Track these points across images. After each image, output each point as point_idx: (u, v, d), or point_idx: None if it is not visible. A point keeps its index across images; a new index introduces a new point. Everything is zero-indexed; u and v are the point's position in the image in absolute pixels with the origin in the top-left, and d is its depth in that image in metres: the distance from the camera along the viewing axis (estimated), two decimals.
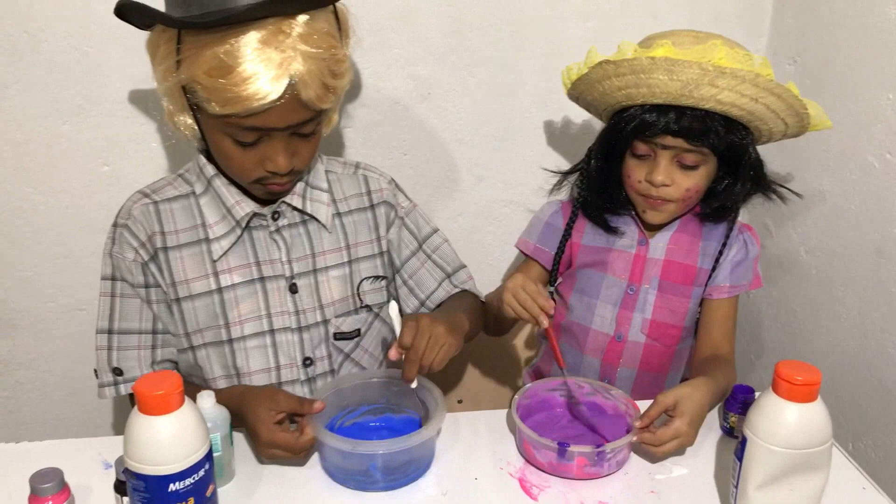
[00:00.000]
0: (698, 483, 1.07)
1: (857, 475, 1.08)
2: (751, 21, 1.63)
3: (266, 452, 1.05)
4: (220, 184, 1.17)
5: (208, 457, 0.89)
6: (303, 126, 1.08)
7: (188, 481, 0.86)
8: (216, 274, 1.18)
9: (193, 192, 1.19)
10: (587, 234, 1.37)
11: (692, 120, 1.17)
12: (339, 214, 1.26)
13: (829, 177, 1.48)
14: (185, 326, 1.19)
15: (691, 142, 1.19)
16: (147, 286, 1.17)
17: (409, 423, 1.17)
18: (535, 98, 1.62)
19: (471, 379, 1.70)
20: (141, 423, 0.84)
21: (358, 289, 1.27)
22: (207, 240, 1.18)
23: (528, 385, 1.20)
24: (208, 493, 0.90)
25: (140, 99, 1.47)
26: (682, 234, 1.32)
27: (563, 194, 1.45)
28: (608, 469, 1.07)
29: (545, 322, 1.12)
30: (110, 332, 1.17)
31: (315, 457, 1.10)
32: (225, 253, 1.18)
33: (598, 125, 1.36)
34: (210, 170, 1.18)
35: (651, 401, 1.10)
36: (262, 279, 1.20)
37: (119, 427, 1.75)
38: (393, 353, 1.06)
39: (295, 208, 1.21)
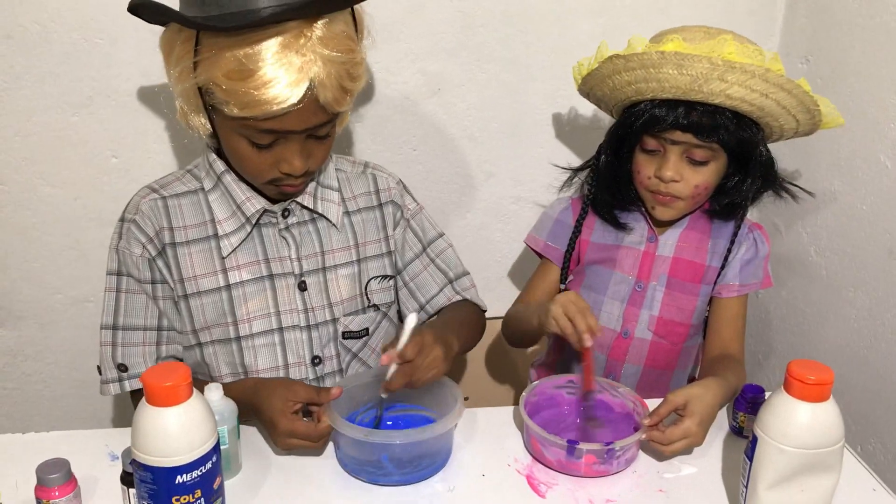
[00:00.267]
0: (707, 482, 1.06)
1: (867, 476, 1.08)
2: (763, 19, 1.62)
3: (284, 443, 1.04)
4: (231, 180, 1.17)
5: (216, 449, 0.89)
6: (319, 128, 1.07)
7: (195, 473, 0.86)
8: (225, 271, 1.18)
9: (202, 188, 1.19)
10: (596, 231, 1.37)
11: (701, 115, 1.17)
12: (348, 213, 1.25)
13: (841, 177, 1.48)
14: (192, 323, 1.19)
15: (700, 137, 1.18)
16: (154, 282, 1.17)
17: (424, 422, 1.16)
18: (546, 94, 1.62)
19: (477, 376, 1.70)
20: (149, 415, 0.84)
21: (366, 288, 1.26)
22: (216, 236, 1.17)
23: (536, 382, 1.19)
24: (215, 486, 0.90)
25: (150, 91, 1.47)
26: (692, 232, 1.32)
27: (573, 191, 1.45)
28: (617, 467, 1.07)
29: (589, 342, 1.09)
30: (115, 327, 1.16)
31: (326, 451, 1.10)
32: (234, 250, 1.17)
33: (608, 122, 1.35)
34: (220, 166, 1.17)
35: (657, 398, 1.10)
36: (270, 276, 1.19)
37: (120, 422, 1.75)
38: (385, 359, 1.04)
39: (305, 207, 1.20)
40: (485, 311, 1.38)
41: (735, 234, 1.31)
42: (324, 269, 1.22)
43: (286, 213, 1.19)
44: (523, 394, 1.15)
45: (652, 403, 1.11)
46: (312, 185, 1.21)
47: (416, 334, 1.05)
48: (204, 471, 0.87)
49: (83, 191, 1.52)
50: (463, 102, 1.60)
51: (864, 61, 1.40)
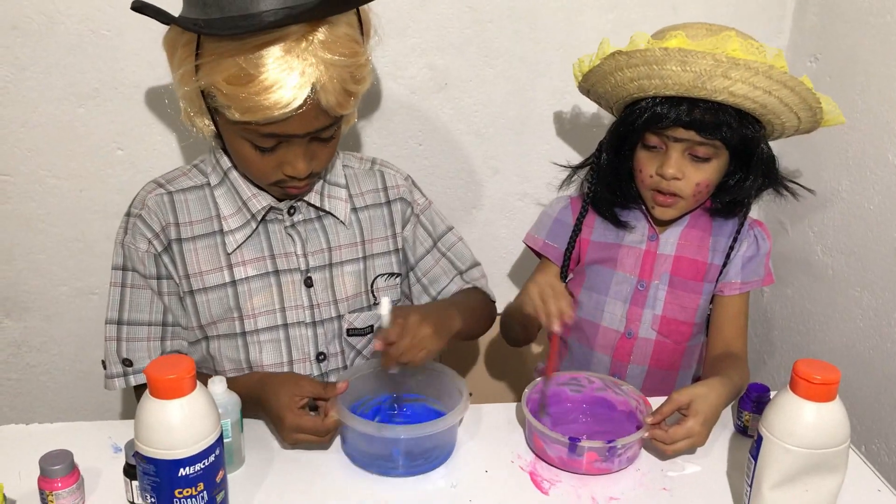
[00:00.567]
0: (711, 481, 1.06)
1: (872, 477, 1.07)
2: (772, 17, 1.62)
3: (291, 437, 1.04)
4: (237, 176, 1.16)
5: (219, 442, 0.89)
6: (323, 132, 1.07)
7: (198, 466, 0.86)
8: (230, 267, 1.17)
9: (208, 184, 1.18)
10: (597, 230, 1.36)
11: (704, 112, 1.16)
12: (355, 210, 1.25)
13: (848, 175, 1.47)
14: (197, 319, 1.18)
15: (703, 134, 1.17)
16: (159, 277, 1.16)
17: (429, 413, 1.17)
18: (553, 91, 1.61)
19: (480, 372, 1.69)
20: (152, 407, 0.84)
21: (372, 285, 1.26)
22: (222, 232, 1.17)
23: (538, 379, 1.19)
24: (218, 479, 0.90)
25: (156, 84, 1.47)
26: (693, 230, 1.31)
27: (573, 190, 1.44)
28: (619, 465, 1.07)
29: (557, 327, 1.09)
30: (120, 322, 1.16)
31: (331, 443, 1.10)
32: (239, 246, 1.17)
33: (612, 120, 1.34)
34: (226, 162, 1.17)
35: (662, 398, 1.10)
36: (276, 272, 1.19)
37: (124, 415, 1.75)
38: (377, 345, 1.06)
39: (312, 205, 1.20)
40: (494, 301, 1.37)
41: (737, 232, 1.30)
42: (330, 265, 1.22)
43: (292, 211, 1.19)
44: (525, 390, 1.14)
45: (656, 403, 1.11)
46: (319, 183, 1.20)
47: (398, 316, 1.06)
48: (207, 464, 0.86)
49: (89, 183, 1.52)
50: (470, 98, 1.59)
51: (874, 60, 1.39)
